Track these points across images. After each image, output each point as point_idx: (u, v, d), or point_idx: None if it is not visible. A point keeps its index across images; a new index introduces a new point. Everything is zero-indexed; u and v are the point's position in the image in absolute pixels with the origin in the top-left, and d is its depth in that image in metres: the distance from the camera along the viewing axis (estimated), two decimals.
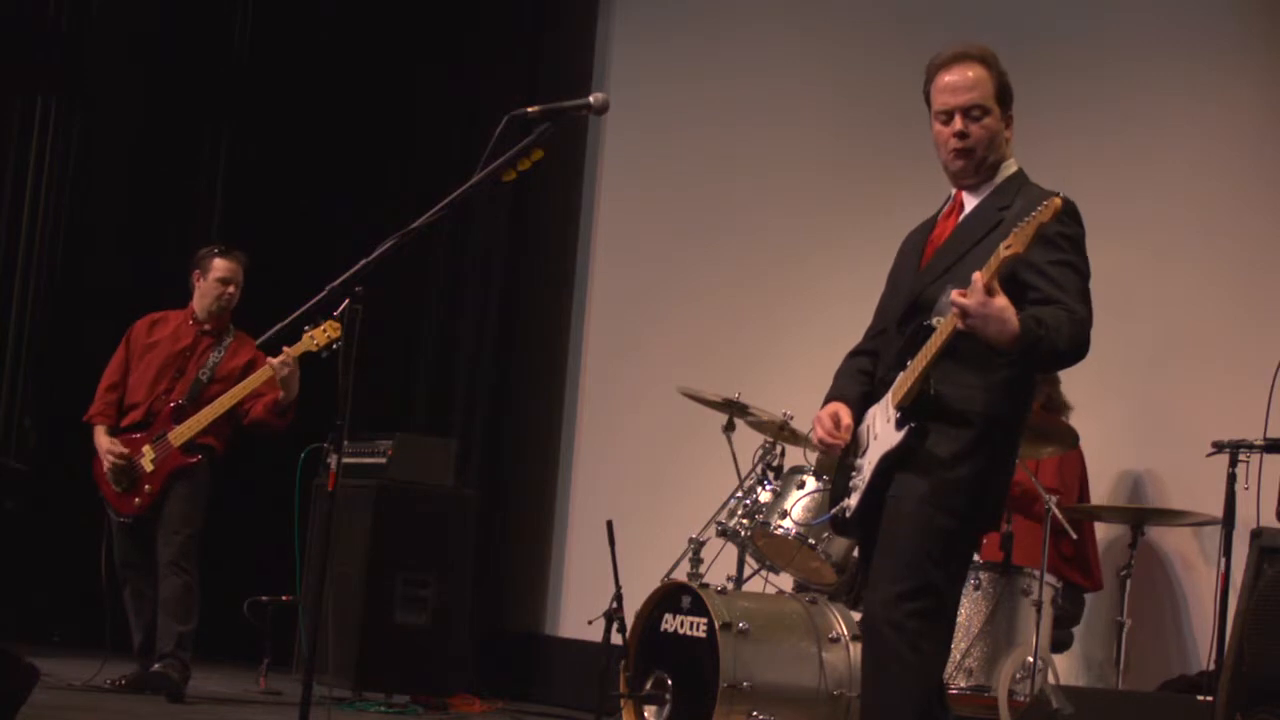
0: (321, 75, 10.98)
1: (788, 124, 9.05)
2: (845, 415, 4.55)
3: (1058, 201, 4.13)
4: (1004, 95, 4.56)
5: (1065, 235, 4.36)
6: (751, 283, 9.14)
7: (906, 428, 4.35)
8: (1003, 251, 4.12)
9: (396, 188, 10.53)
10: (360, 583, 8.47)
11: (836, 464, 4.69)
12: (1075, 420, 6.72)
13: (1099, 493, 7.25)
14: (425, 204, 4.72)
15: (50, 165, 10.50)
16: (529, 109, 4.69)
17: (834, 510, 4.64)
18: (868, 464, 4.49)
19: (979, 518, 4.47)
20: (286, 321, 4.83)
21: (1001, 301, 4.11)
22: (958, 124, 4.51)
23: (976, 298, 4.11)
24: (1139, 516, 6.72)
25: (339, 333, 6.73)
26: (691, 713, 6.48)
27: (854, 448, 4.58)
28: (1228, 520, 5.98)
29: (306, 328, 7.33)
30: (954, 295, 4.17)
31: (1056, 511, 6.36)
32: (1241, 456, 5.96)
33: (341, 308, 4.65)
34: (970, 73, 4.53)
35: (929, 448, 4.35)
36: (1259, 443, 5.83)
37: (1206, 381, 7.15)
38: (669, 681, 6.66)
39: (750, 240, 9.23)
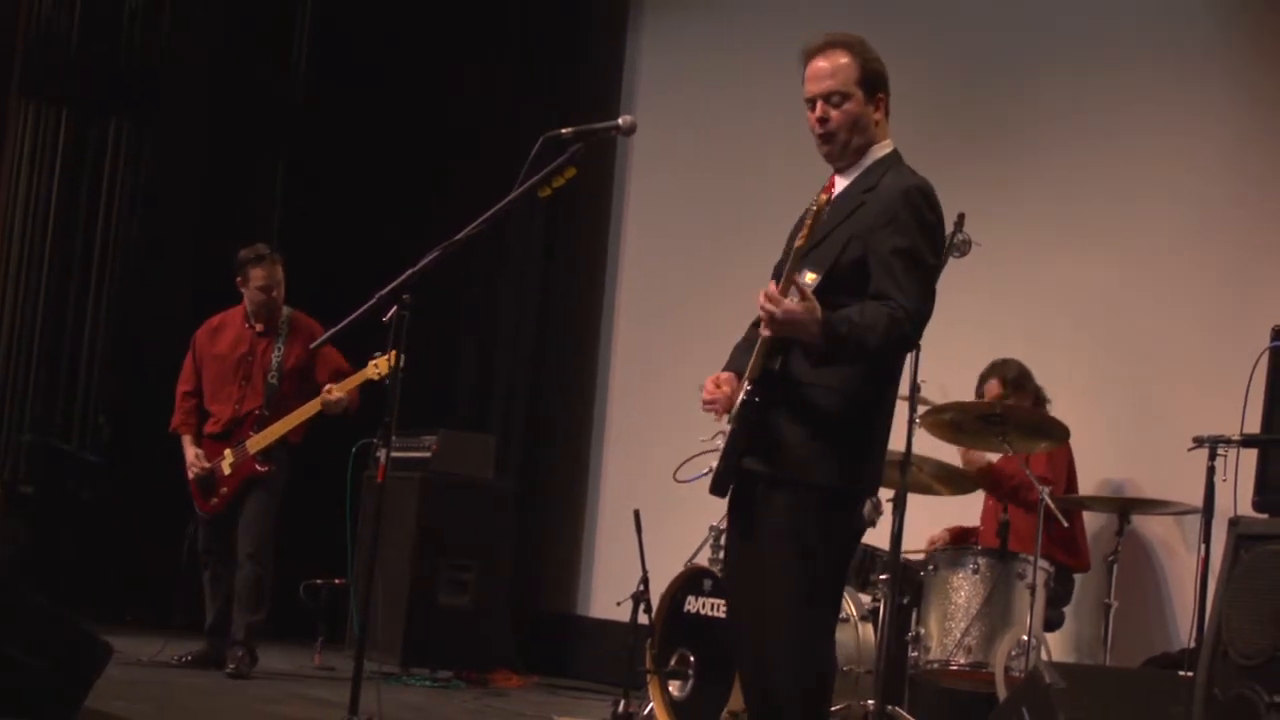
0: (370, 95, 11.00)
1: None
2: (725, 379, 4.41)
3: (822, 199, 4.08)
4: (870, 80, 4.42)
5: (916, 220, 4.25)
6: None
7: (743, 399, 4.23)
8: (798, 241, 4.07)
9: (440, 202, 10.54)
10: (407, 567, 8.50)
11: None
12: (1068, 416, 6.71)
13: (1089, 484, 7.24)
14: (466, 218, 4.74)
15: (123, 181, 10.57)
16: (562, 130, 4.70)
17: (705, 471, 4.55)
18: (728, 431, 4.34)
19: (842, 494, 4.31)
20: (341, 325, 4.87)
21: (798, 306, 4.03)
22: (819, 110, 4.42)
23: (778, 307, 4.05)
24: (1125, 506, 6.71)
25: (400, 362, 6.87)
26: (712, 688, 6.48)
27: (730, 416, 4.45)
28: (1207, 510, 5.96)
29: (375, 355, 7.37)
30: (760, 301, 4.09)
31: (1049, 501, 6.36)
32: (1220, 451, 5.94)
33: (390, 314, 4.69)
34: (833, 61, 4.41)
35: (782, 427, 4.23)
36: (1236, 438, 5.80)
37: (1187, 380, 7.14)
38: (691, 659, 6.67)
39: (774, 242, 9.18)
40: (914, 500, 6.38)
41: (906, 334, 4.19)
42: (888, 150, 4.46)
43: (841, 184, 4.47)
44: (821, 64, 4.43)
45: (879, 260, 4.21)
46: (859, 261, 4.22)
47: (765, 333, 4.20)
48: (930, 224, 4.31)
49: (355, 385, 7.72)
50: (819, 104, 4.42)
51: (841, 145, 4.43)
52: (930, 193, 4.32)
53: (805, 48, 4.50)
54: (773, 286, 4.11)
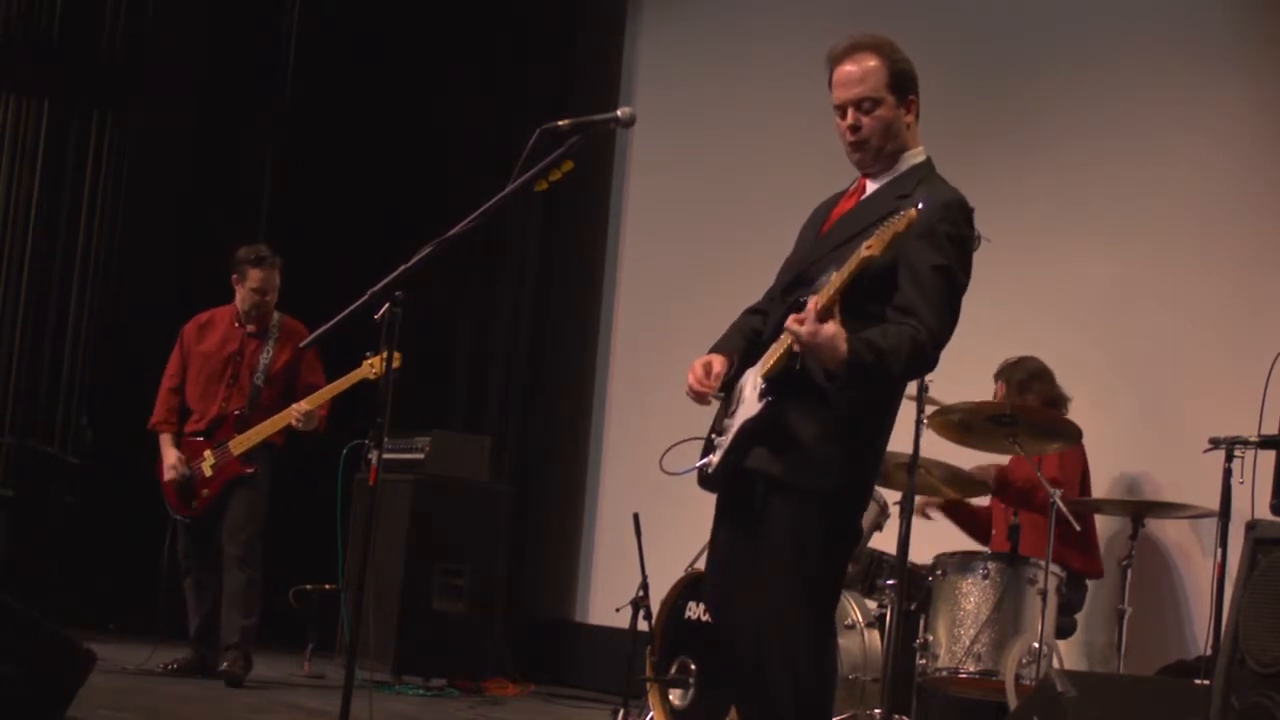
0: (361, 90, 11.02)
1: (816, 126, 9.02)
2: (718, 364, 4.39)
3: (913, 213, 4.00)
4: (900, 83, 4.38)
5: (952, 237, 4.23)
6: None
7: (765, 401, 4.21)
8: (863, 252, 4.01)
9: (434, 196, 10.54)
10: (400, 572, 8.51)
11: (715, 416, 4.54)
12: (1080, 417, 6.72)
13: (1102, 486, 7.24)
14: (460, 217, 4.74)
15: (106, 176, 10.57)
16: (559, 122, 4.67)
17: (700, 464, 4.49)
18: (733, 426, 4.33)
19: (846, 500, 4.32)
20: (331, 324, 4.85)
21: (830, 330, 4.00)
22: (850, 118, 4.37)
23: (807, 326, 4.02)
24: (1139, 509, 6.70)
25: (399, 363, 6.87)
26: (714, 696, 6.49)
27: (728, 405, 4.43)
28: (1224, 513, 5.96)
29: (367, 354, 7.37)
30: (789, 321, 4.08)
31: (1061, 505, 6.35)
32: (1237, 452, 5.94)
33: (382, 311, 4.68)
34: (861, 65, 4.36)
35: (793, 427, 4.21)
36: (1254, 439, 5.80)
37: (1203, 380, 7.14)
38: (692, 666, 6.67)
39: (777, 241, 9.17)
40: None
41: (928, 357, 4.19)
42: (921, 159, 4.44)
43: (872, 187, 4.46)
44: (850, 69, 4.39)
45: (911, 272, 4.18)
46: (887, 268, 4.16)
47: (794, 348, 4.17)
48: (965, 240, 4.30)
49: (330, 397, 7.75)
50: (849, 111, 4.39)
51: (875, 152, 4.40)
52: (968, 208, 4.31)
53: (830, 52, 4.45)
54: (812, 303, 4.06)
